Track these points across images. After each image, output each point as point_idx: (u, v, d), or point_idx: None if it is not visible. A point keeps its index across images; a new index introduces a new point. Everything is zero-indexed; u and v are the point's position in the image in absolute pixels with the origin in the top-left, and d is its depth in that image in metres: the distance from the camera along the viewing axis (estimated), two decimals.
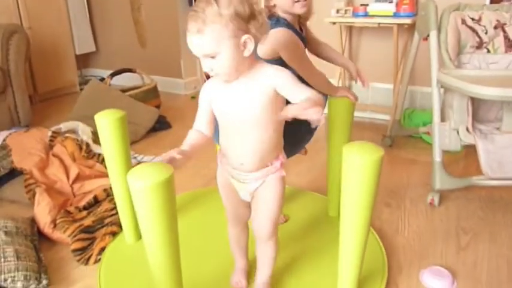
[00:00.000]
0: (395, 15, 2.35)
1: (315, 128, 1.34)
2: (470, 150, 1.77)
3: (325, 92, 1.38)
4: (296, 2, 1.23)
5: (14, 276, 1.20)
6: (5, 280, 1.19)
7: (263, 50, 1.25)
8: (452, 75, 1.60)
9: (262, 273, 1.19)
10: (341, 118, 1.42)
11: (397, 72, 2.46)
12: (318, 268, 1.32)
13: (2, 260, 1.23)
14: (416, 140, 2.39)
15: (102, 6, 3.72)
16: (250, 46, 0.91)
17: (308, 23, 1.41)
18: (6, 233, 1.35)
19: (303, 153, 1.58)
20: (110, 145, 1.29)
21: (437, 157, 1.70)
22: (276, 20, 1.24)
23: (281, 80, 0.95)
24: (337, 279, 1.14)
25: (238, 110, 0.98)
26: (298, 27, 1.33)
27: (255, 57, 0.97)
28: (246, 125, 0.99)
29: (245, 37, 0.90)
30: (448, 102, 1.73)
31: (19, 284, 1.20)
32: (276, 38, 1.21)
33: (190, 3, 3.32)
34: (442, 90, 1.75)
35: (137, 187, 0.88)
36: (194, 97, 3.36)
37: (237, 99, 0.98)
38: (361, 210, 0.99)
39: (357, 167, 0.94)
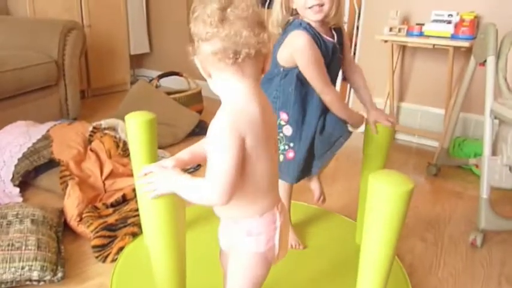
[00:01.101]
0: (453, 37, 2.20)
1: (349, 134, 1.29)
2: None
3: (345, 118, 1.26)
4: (309, 8, 1.14)
5: (32, 265, 1.22)
6: (23, 268, 1.21)
7: (283, 56, 1.20)
8: (509, 106, 1.46)
9: None
10: (377, 142, 1.33)
11: (449, 97, 2.31)
12: None
13: (23, 247, 1.26)
14: (466, 172, 2.22)
15: (160, 10, 3.84)
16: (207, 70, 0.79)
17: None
18: (32, 221, 1.39)
19: (320, 200, 1.50)
20: (136, 146, 1.29)
21: (484, 194, 1.55)
22: (298, 24, 1.18)
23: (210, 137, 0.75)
24: None
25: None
26: (330, 32, 1.25)
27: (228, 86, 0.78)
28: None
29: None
30: (502, 135, 1.58)
31: (35, 274, 1.22)
32: (292, 41, 1.16)
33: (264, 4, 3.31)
34: (496, 121, 1.60)
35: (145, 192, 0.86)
36: None
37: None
38: (384, 244, 0.90)
39: (382, 198, 0.86)
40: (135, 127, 1.27)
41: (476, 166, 2.08)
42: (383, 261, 0.92)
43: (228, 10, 0.72)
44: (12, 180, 1.77)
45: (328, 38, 1.22)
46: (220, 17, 0.72)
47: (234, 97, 0.77)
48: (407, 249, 1.53)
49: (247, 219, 0.84)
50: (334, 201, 1.86)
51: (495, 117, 1.57)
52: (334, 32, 1.26)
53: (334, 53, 1.24)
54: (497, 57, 1.62)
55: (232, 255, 0.89)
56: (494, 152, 1.59)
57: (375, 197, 0.88)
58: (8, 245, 1.26)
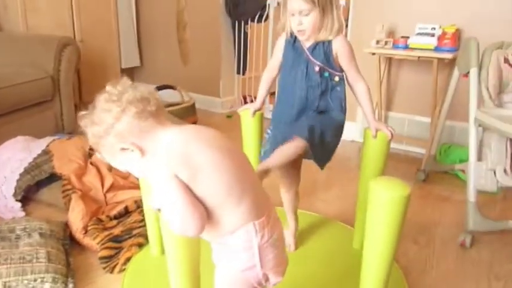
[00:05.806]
0: (436, 49, 2.32)
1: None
2: (509, 192, 1.71)
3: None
4: (296, 31, 1.37)
5: (44, 277, 1.25)
6: (35, 280, 1.24)
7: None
8: (491, 115, 1.56)
9: None
10: (376, 150, 1.40)
11: (435, 106, 2.42)
12: None
13: (34, 260, 1.29)
14: (452, 177, 2.32)
15: (150, 24, 3.91)
16: None
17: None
18: (41, 234, 1.43)
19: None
20: None
21: (472, 197, 1.65)
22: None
23: None
24: None
25: None
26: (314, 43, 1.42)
27: None
28: None
29: None
30: (486, 142, 1.68)
31: (47, 285, 1.25)
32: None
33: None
34: (480, 128, 1.70)
35: None
36: (230, 116, 3.42)
37: None
38: (385, 246, 0.98)
39: (383, 202, 0.93)
40: None
41: (463, 171, 2.18)
42: (385, 260, 0.99)
43: (119, 87, 0.78)
44: (14, 195, 1.80)
45: (304, 44, 1.39)
46: (118, 92, 0.77)
47: (162, 144, 0.79)
48: (402, 252, 1.61)
49: (221, 238, 0.83)
50: (330, 208, 1.94)
51: (479, 125, 1.67)
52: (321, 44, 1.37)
53: (300, 55, 1.39)
54: (480, 68, 1.73)
55: (215, 271, 0.89)
56: (479, 158, 1.69)
57: (376, 202, 0.95)
58: (19, 258, 1.29)
